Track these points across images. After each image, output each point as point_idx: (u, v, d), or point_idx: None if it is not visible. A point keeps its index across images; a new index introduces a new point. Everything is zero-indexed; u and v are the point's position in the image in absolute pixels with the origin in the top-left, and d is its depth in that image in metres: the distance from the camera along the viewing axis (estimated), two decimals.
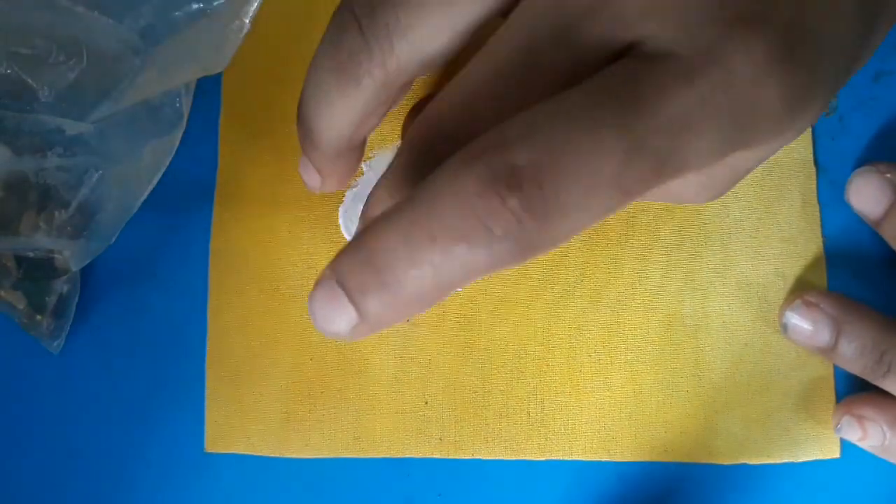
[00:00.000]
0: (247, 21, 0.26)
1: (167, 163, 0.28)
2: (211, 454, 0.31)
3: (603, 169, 0.17)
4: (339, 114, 0.23)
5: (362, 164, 0.32)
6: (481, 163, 0.17)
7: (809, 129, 0.32)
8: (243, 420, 0.31)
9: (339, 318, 0.19)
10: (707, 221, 0.32)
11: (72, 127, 0.27)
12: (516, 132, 0.18)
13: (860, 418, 0.30)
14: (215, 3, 0.26)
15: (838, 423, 0.30)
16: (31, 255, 0.31)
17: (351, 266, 0.19)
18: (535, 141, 0.17)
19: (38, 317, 0.31)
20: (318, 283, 0.19)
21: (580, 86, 0.18)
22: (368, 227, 0.18)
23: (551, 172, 0.17)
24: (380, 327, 0.19)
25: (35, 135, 0.28)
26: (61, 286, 0.31)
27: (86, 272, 0.32)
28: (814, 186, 0.32)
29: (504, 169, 0.17)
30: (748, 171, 0.24)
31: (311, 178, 0.27)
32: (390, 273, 0.18)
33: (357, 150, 0.26)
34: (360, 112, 0.23)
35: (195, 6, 0.26)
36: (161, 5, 0.26)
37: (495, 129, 0.18)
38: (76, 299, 0.32)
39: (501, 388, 0.31)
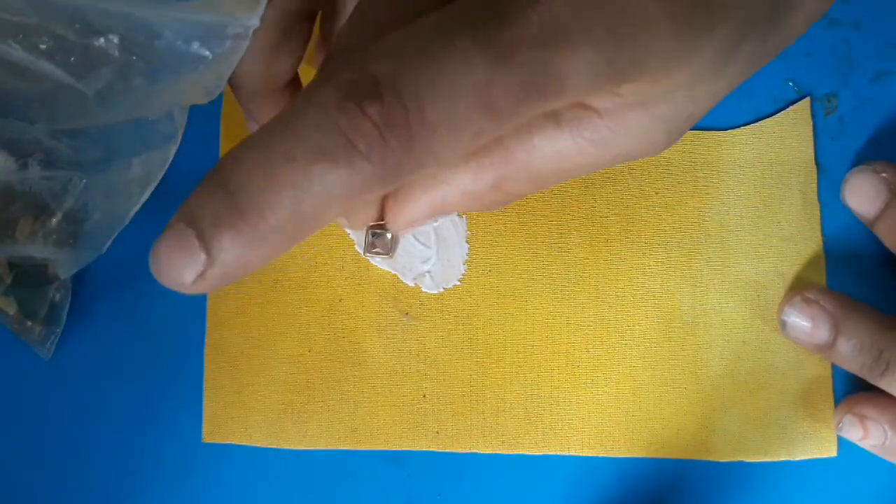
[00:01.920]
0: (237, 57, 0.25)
1: (160, 176, 0.28)
2: (208, 444, 0.31)
3: (466, 80, 0.16)
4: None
5: None
6: (343, 74, 0.16)
7: (810, 130, 0.32)
8: (241, 411, 0.31)
9: (186, 263, 0.16)
10: (707, 219, 0.32)
11: (47, 137, 0.27)
12: (380, 46, 0.17)
13: (862, 417, 0.30)
14: (217, 52, 0.25)
15: (839, 423, 0.30)
16: (20, 262, 0.31)
17: (204, 198, 0.16)
18: (397, 53, 0.16)
19: (29, 323, 0.31)
20: (165, 228, 0.17)
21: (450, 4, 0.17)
22: (225, 155, 0.17)
23: (411, 82, 0.16)
24: (231, 273, 0.17)
25: (16, 142, 0.27)
26: (53, 293, 0.31)
27: (81, 273, 0.32)
28: (814, 186, 0.32)
29: (365, 79, 0.16)
30: (689, 119, 0.21)
31: (251, 129, 0.28)
32: (247, 201, 0.16)
33: (283, 95, 0.27)
34: (262, 40, 0.24)
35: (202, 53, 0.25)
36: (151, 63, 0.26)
37: (361, 46, 0.17)
38: (67, 306, 0.32)
39: (499, 382, 0.31)
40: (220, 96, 0.33)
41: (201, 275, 0.16)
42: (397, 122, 0.16)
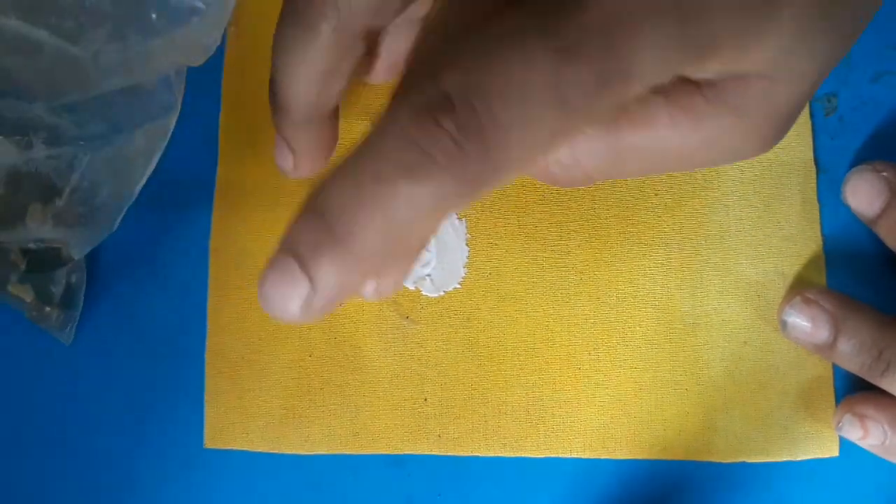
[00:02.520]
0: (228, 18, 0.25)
1: (162, 147, 0.28)
2: (210, 450, 0.31)
3: (534, 79, 0.16)
4: (300, 64, 0.22)
5: None
6: (414, 92, 0.17)
7: (809, 130, 0.32)
8: (243, 416, 0.31)
9: (292, 293, 0.17)
10: (707, 220, 0.32)
11: (48, 114, 0.27)
12: (447, 58, 0.17)
13: (861, 417, 0.30)
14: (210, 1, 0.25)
15: (839, 422, 0.30)
16: (33, 246, 0.31)
17: (301, 226, 0.17)
18: (463, 63, 0.17)
19: (47, 308, 0.31)
20: (269, 261, 0.17)
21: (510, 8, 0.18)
22: (317, 182, 0.17)
23: (481, 90, 0.16)
24: (335, 298, 0.17)
25: (18, 121, 0.27)
26: (68, 275, 0.31)
27: (88, 261, 0.32)
28: (814, 185, 0.32)
29: (437, 95, 0.16)
30: (790, 105, 0.20)
31: (284, 159, 0.26)
32: (341, 223, 0.16)
33: (328, 123, 0.25)
34: (321, 63, 0.22)
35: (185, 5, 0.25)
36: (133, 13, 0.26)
37: (429, 60, 0.18)
38: (83, 289, 0.32)
39: (500, 385, 0.31)
40: (220, 94, 0.33)
41: (307, 302, 0.17)
42: (471, 129, 0.16)
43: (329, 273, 0.16)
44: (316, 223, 0.16)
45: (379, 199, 0.16)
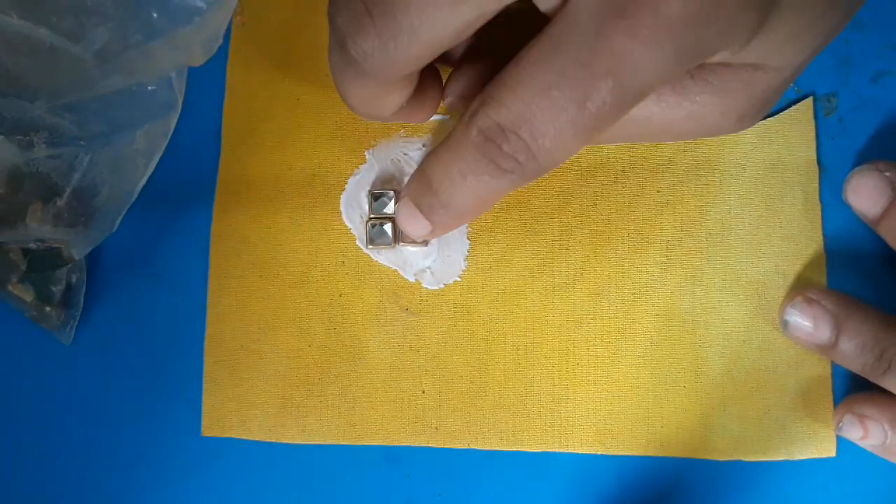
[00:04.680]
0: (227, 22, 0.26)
1: (163, 147, 0.28)
2: (207, 438, 0.31)
3: (564, 115, 0.21)
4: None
5: (365, 153, 0.32)
6: (478, 118, 0.23)
7: (813, 129, 0.32)
8: (240, 405, 0.31)
9: (419, 226, 0.26)
10: (709, 217, 0.32)
11: (49, 114, 0.27)
12: (495, 93, 0.22)
13: (861, 417, 0.29)
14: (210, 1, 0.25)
15: (839, 423, 0.30)
16: (33, 246, 0.31)
17: (419, 190, 0.25)
18: (506, 101, 0.22)
19: (48, 308, 0.31)
20: (400, 202, 0.26)
21: (535, 44, 0.22)
22: (426, 161, 0.24)
23: (524, 124, 0.22)
24: (449, 229, 0.26)
25: (18, 121, 0.28)
26: (68, 275, 0.31)
27: (88, 260, 0.32)
28: (816, 185, 0.32)
29: (493, 125, 0.22)
30: (770, 90, 0.24)
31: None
32: (446, 196, 0.24)
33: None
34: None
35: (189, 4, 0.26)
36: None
37: (485, 90, 0.23)
38: (84, 289, 0.32)
39: (498, 379, 0.31)
40: (223, 83, 0.33)
41: (430, 231, 0.26)
42: (521, 150, 0.22)
43: (440, 220, 0.25)
44: (426, 190, 0.24)
45: (467, 186, 0.24)
